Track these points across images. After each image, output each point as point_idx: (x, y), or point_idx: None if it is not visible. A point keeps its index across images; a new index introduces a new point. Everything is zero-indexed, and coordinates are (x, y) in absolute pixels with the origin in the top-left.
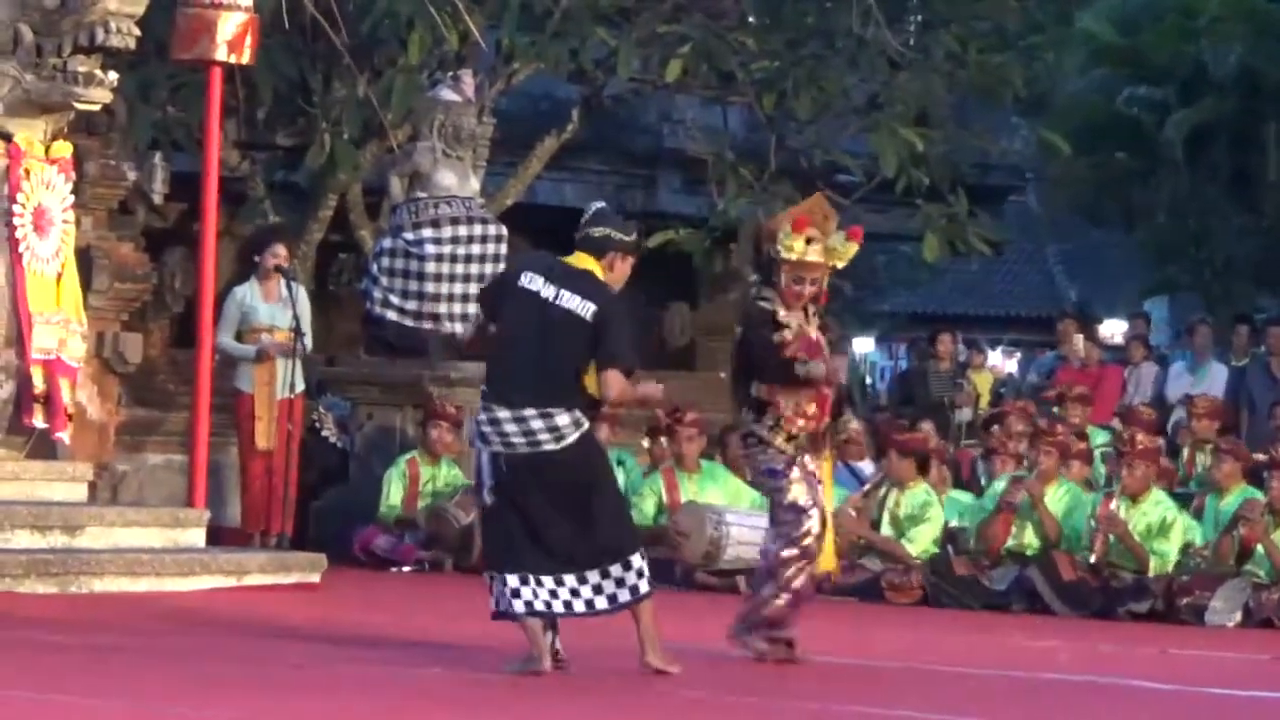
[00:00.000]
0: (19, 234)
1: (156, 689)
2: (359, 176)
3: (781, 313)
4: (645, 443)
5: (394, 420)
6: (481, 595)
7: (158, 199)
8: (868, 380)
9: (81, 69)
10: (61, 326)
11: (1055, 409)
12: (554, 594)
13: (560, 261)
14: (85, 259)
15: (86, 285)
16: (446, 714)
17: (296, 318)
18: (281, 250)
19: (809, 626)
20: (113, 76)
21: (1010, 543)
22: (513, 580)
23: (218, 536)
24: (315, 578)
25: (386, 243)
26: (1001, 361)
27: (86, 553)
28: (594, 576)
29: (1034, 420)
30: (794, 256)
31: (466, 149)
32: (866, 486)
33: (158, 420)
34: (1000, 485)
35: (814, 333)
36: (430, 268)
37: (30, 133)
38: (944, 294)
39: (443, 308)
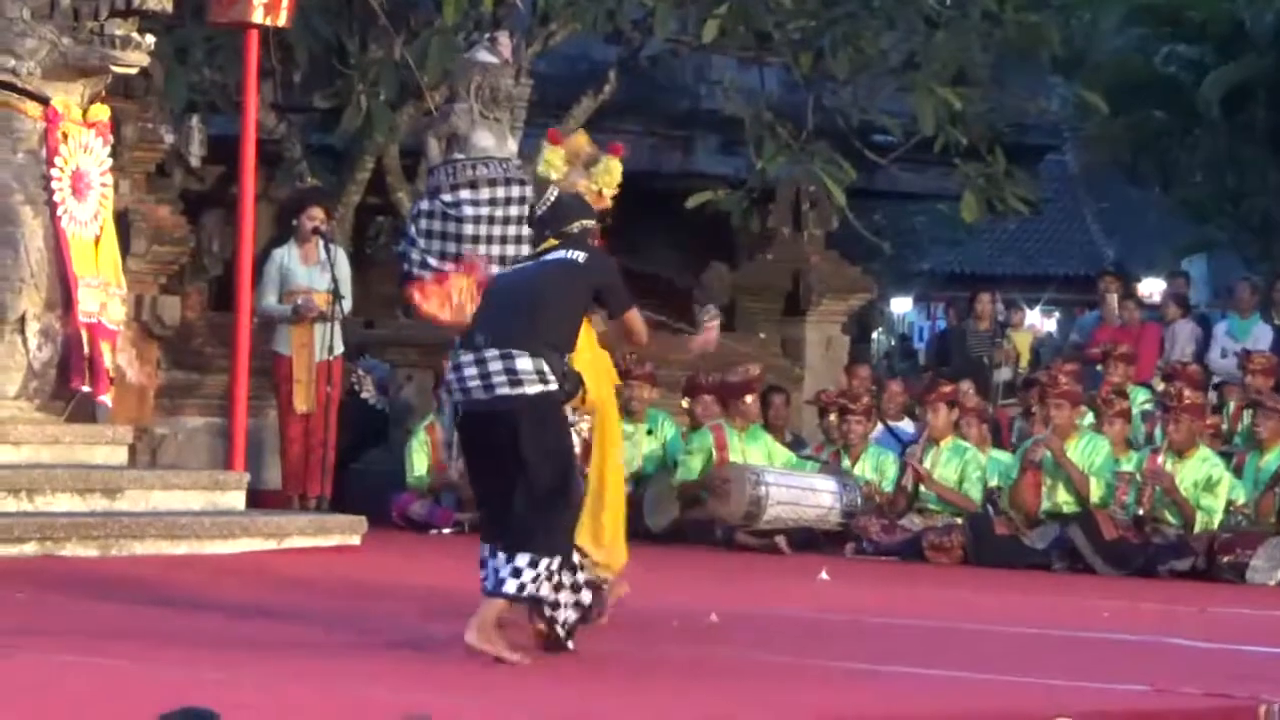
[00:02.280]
0: (57, 197)
1: (197, 651)
2: (396, 138)
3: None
4: (685, 402)
5: (432, 382)
6: None
7: (195, 162)
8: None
9: (118, 32)
10: (102, 290)
11: (1099, 367)
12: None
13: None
14: (123, 222)
15: (125, 248)
16: (488, 674)
17: (335, 280)
18: (318, 212)
19: (851, 587)
20: (150, 40)
21: (1046, 504)
22: (484, 551)
23: (257, 499)
24: (355, 540)
25: (424, 204)
26: (1040, 321)
27: (127, 515)
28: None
29: (1048, 379)
30: (556, 175)
31: (504, 110)
32: (918, 447)
33: (196, 383)
34: (1023, 447)
35: None
36: (468, 229)
37: (68, 96)
38: (981, 253)
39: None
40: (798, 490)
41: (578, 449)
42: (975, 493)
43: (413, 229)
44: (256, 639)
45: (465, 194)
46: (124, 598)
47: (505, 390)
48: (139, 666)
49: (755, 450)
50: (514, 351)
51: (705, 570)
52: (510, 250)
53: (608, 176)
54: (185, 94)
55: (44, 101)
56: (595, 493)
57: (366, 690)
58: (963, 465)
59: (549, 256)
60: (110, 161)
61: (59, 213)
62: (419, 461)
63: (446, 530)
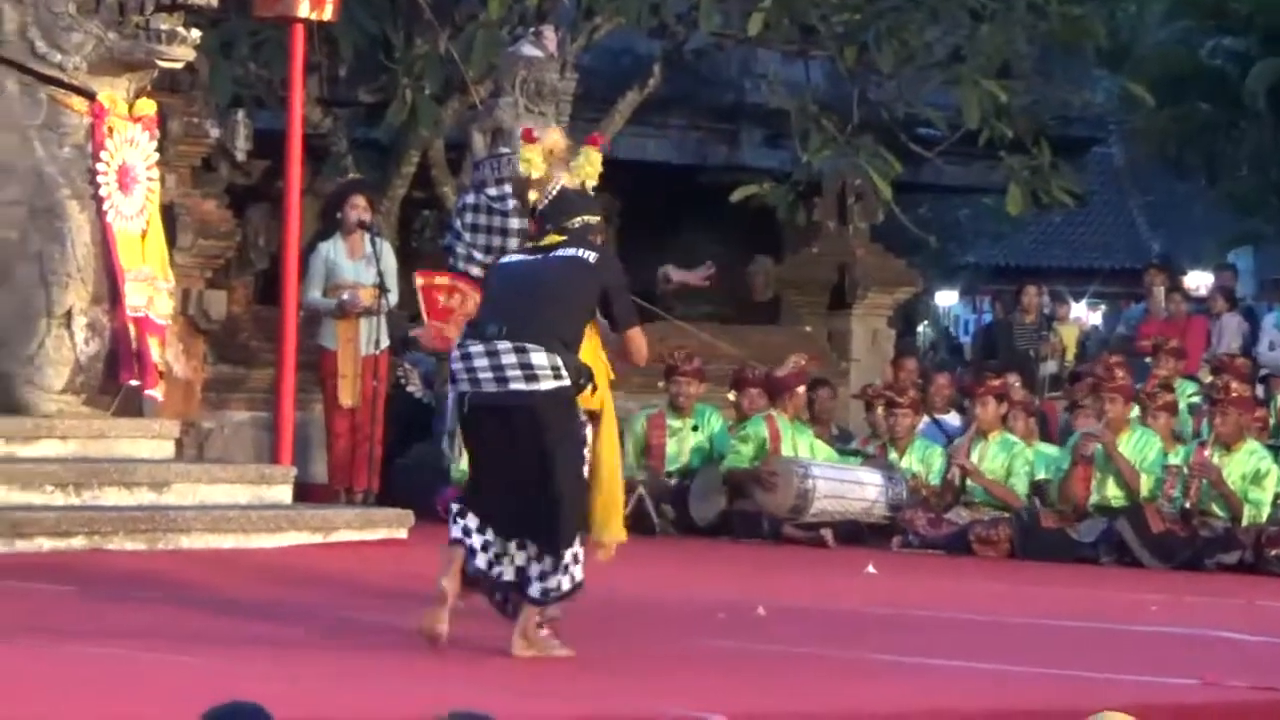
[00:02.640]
0: (104, 192)
1: (243, 646)
2: (441, 132)
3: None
4: (731, 395)
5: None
6: None
7: (241, 156)
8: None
9: (164, 27)
10: (148, 284)
11: (1148, 360)
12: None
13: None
14: (169, 216)
15: (171, 242)
16: (535, 669)
17: (381, 274)
18: (360, 200)
19: (897, 580)
20: (195, 34)
21: (1094, 497)
22: (471, 520)
23: (304, 493)
24: (402, 533)
25: (469, 198)
26: (1085, 314)
27: (173, 509)
28: (511, 547)
29: (1103, 372)
30: (535, 173)
31: (548, 104)
32: (964, 442)
33: (242, 377)
34: (1074, 441)
35: None
36: (513, 223)
37: (114, 91)
38: (1027, 246)
39: None
40: (844, 483)
41: None
42: (1021, 486)
43: (458, 223)
44: (303, 634)
45: (510, 188)
46: (170, 592)
47: (520, 385)
48: (185, 661)
49: (802, 443)
50: (529, 346)
51: (752, 563)
52: None
53: (589, 168)
54: (231, 88)
55: (90, 96)
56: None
57: (414, 687)
58: (1010, 459)
59: (558, 253)
60: (156, 156)
61: (105, 207)
62: (462, 456)
63: None
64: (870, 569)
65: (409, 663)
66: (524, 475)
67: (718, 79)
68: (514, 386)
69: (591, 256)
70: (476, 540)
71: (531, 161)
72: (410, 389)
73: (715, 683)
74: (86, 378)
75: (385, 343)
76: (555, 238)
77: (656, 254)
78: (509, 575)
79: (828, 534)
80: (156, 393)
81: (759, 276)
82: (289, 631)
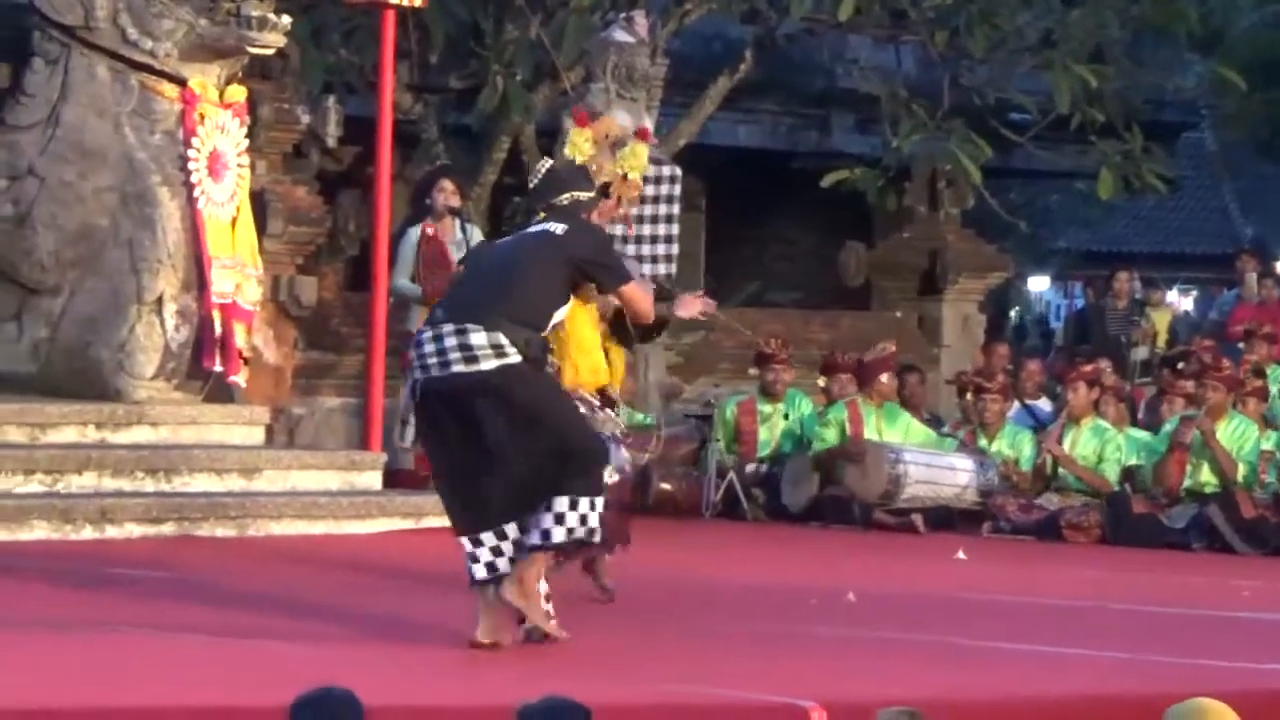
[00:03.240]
0: (194, 178)
1: (332, 632)
2: (532, 118)
3: None
4: (821, 381)
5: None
6: (659, 534)
7: (331, 142)
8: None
9: (255, 13)
10: (237, 270)
11: (1241, 345)
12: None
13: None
14: (260, 203)
15: (261, 229)
16: (632, 653)
17: None
18: (448, 184)
19: (987, 566)
20: (286, 20)
21: (1187, 482)
22: (466, 544)
23: (393, 479)
24: None
25: None
26: (1177, 299)
27: (263, 496)
28: (512, 531)
29: (1210, 360)
30: (579, 157)
31: (640, 90)
32: (1056, 427)
33: (333, 363)
34: (1170, 426)
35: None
36: None
37: (204, 78)
38: (1118, 231)
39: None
40: (935, 469)
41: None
42: (1112, 472)
43: None
44: (393, 619)
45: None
46: (260, 579)
47: (460, 367)
48: (275, 648)
49: (892, 428)
50: (469, 327)
51: (843, 549)
52: (647, 229)
53: (633, 159)
54: (322, 75)
55: (181, 83)
56: None
57: (504, 674)
58: (1101, 445)
59: (529, 229)
60: (247, 142)
61: (196, 194)
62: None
63: None
64: (960, 555)
65: (498, 649)
66: (470, 459)
67: (809, 64)
68: (455, 369)
69: (560, 229)
70: (486, 552)
71: (577, 145)
72: None
73: (806, 669)
74: (177, 364)
75: None
76: (542, 216)
77: (747, 239)
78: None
79: (918, 519)
80: (239, 379)
81: (850, 261)
82: (378, 617)
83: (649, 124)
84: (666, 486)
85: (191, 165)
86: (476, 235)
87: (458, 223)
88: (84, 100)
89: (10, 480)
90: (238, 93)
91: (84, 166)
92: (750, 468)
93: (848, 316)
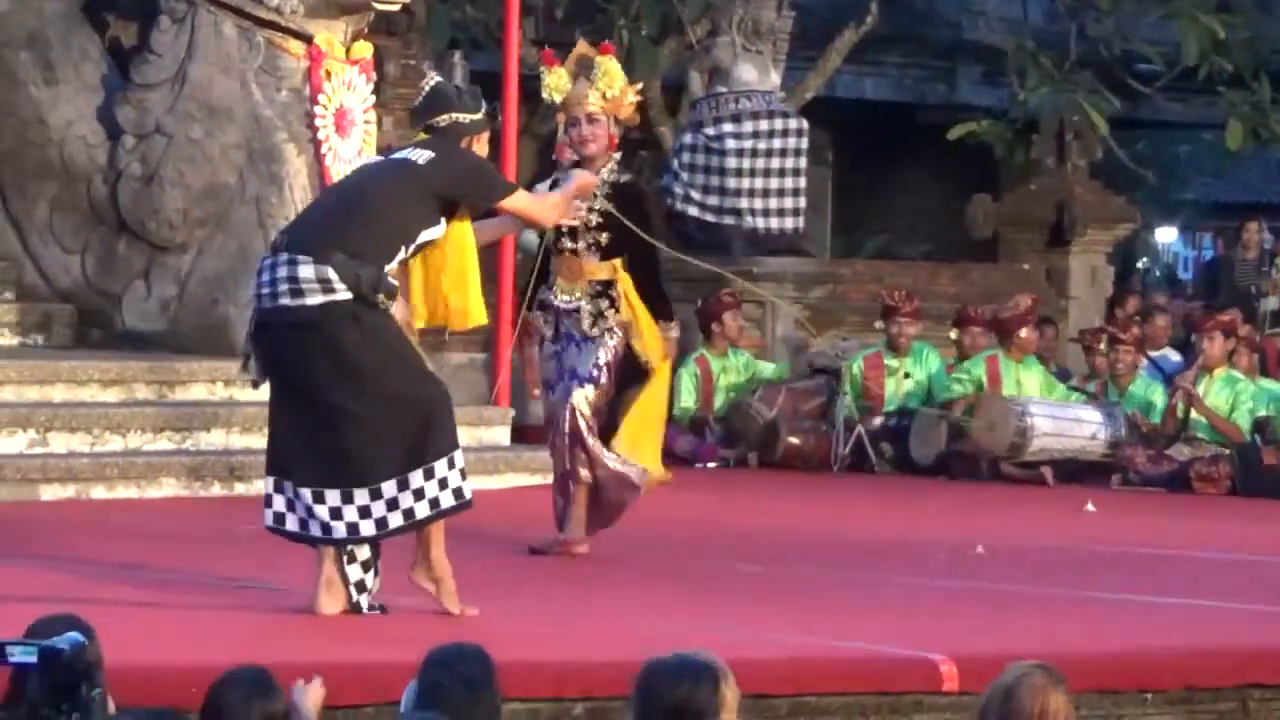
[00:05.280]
0: (321, 135)
1: (463, 586)
2: (658, 73)
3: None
4: (953, 333)
5: (695, 315)
6: (787, 487)
7: None
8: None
9: None
10: None
11: None
12: (310, 511)
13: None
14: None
15: None
16: (760, 603)
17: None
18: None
19: (1117, 518)
20: None
21: None
22: (268, 485)
23: (522, 435)
24: None
25: (687, 138)
26: None
27: None
28: (334, 498)
29: None
30: (557, 97)
31: (766, 43)
32: (1190, 373)
33: None
34: None
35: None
36: (731, 163)
37: (331, 34)
38: (1247, 182)
39: (744, 202)
40: (1064, 421)
41: (608, 360)
42: (1244, 423)
43: (676, 163)
44: (521, 574)
45: (728, 127)
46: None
47: (286, 300)
48: (404, 604)
49: (1030, 380)
50: (299, 258)
51: (971, 502)
52: (774, 183)
53: (607, 79)
54: (448, 30)
55: (307, 40)
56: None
57: (632, 623)
58: (1234, 395)
59: (397, 155)
60: (373, 99)
61: (323, 150)
62: (686, 393)
63: (711, 465)
64: (1089, 507)
65: (623, 599)
66: (310, 409)
67: (935, 16)
68: (282, 302)
69: (422, 158)
70: (280, 501)
71: (552, 86)
72: None
73: (936, 623)
74: None
75: None
76: (421, 136)
77: (874, 192)
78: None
79: (1047, 472)
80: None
81: (977, 214)
82: (507, 571)
83: (776, 79)
84: (795, 440)
85: (318, 122)
86: None
87: None
88: (210, 58)
89: (140, 437)
90: (364, 49)
91: (211, 124)
92: (878, 421)
93: (976, 269)
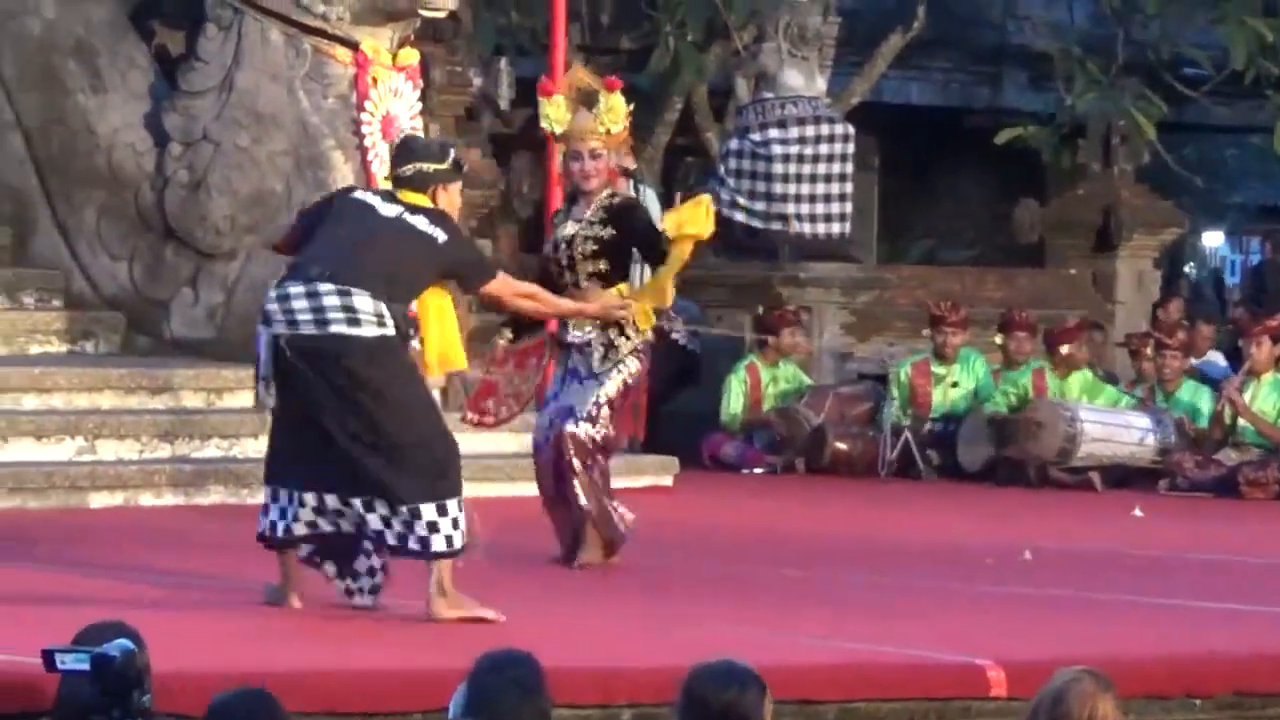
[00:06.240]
0: (367, 141)
1: (509, 592)
2: (704, 78)
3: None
4: (998, 339)
5: (744, 322)
6: (834, 493)
7: (504, 105)
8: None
9: None
10: None
11: None
12: (319, 511)
13: (393, 193)
14: None
15: None
16: (804, 608)
17: None
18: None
19: (1165, 523)
20: None
21: None
22: (266, 494)
23: None
24: (668, 480)
25: (734, 144)
26: None
27: None
28: (357, 504)
29: None
30: (557, 129)
31: (812, 49)
32: (1237, 377)
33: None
34: None
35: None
36: (778, 168)
37: (377, 41)
38: None
39: (790, 208)
40: (1112, 427)
41: (636, 380)
42: None
43: (722, 168)
44: (567, 581)
45: (774, 133)
46: None
47: (340, 329)
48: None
49: (1075, 386)
50: (353, 290)
51: (1018, 507)
52: (820, 188)
53: (611, 115)
54: (493, 37)
55: (354, 46)
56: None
57: (676, 630)
58: None
59: (407, 219)
60: (420, 105)
61: (369, 157)
62: (735, 400)
63: (758, 471)
64: (1137, 512)
65: (669, 605)
66: (324, 421)
67: (981, 21)
68: (334, 330)
69: (440, 235)
70: (278, 511)
71: (551, 117)
72: (675, 336)
73: (984, 628)
74: None
75: None
76: (390, 184)
77: (920, 197)
78: (350, 528)
79: (1095, 477)
80: (415, 342)
81: (1024, 219)
82: (554, 578)
83: (822, 84)
84: (842, 446)
85: (365, 129)
86: (650, 197)
87: (631, 184)
88: (257, 65)
89: (187, 445)
90: (410, 56)
91: (258, 131)
92: (926, 427)
93: (1023, 274)
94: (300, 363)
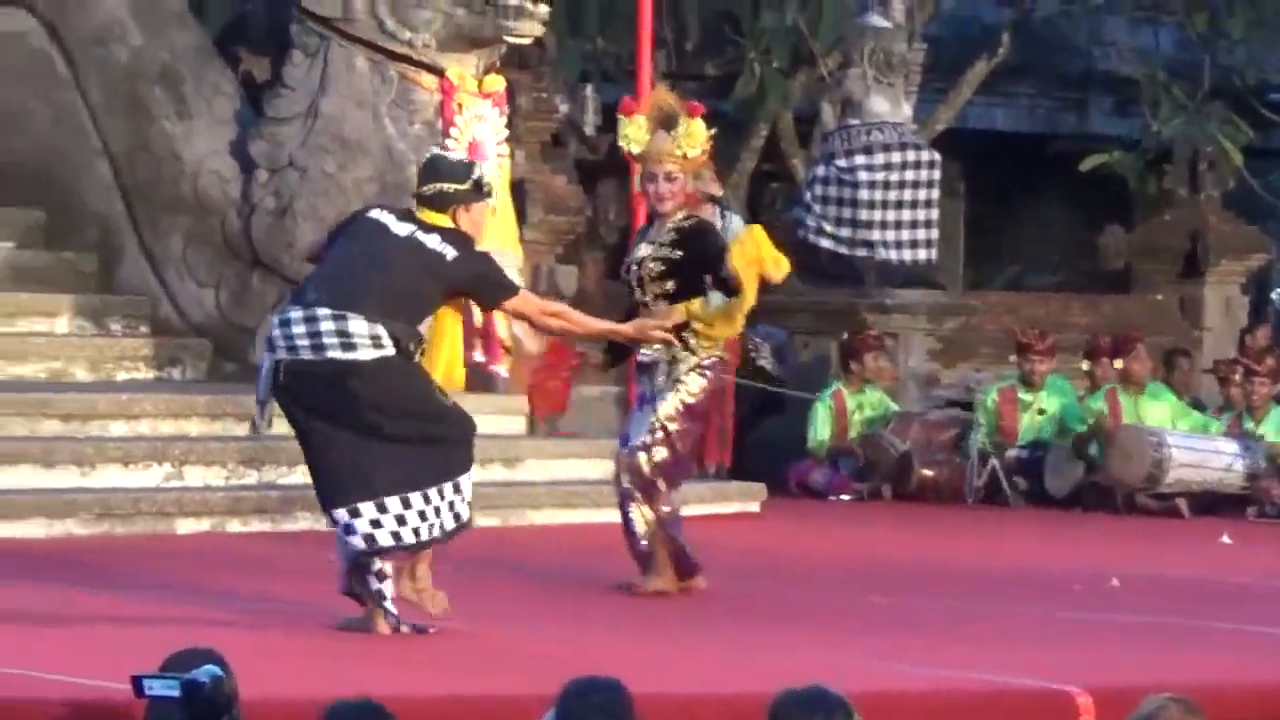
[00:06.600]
0: None
1: (595, 619)
2: (789, 105)
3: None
4: (1085, 365)
5: (829, 348)
6: (921, 519)
7: (590, 131)
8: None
9: (512, 2)
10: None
11: None
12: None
13: (413, 211)
14: (519, 192)
15: (521, 218)
16: (885, 634)
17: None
18: (707, 172)
19: (1253, 550)
20: (544, 9)
21: None
22: (344, 515)
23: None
24: (754, 507)
25: (820, 170)
26: None
27: (525, 485)
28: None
29: None
30: (635, 149)
31: (897, 75)
32: None
33: (594, 353)
34: None
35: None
36: (863, 195)
37: (462, 67)
38: None
39: (876, 234)
40: (1200, 453)
41: (698, 398)
42: None
43: (808, 195)
44: (653, 607)
45: (860, 159)
46: (524, 569)
47: (336, 354)
48: (545, 632)
49: (1157, 411)
50: (348, 314)
51: (1105, 534)
52: (906, 215)
53: (689, 139)
54: (579, 63)
55: (439, 73)
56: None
57: (761, 657)
58: None
59: (419, 236)
60: (505, 132)
61: None
62: (822, 426)
63: (845, 497)
64: (1226, 539)
65: (754, 631)
66: (357, 434)
67: (1066, 47)
68: (330, 355)
69: (449, 253)
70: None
71: (631, 137)
72: (761, 362)
73: (1071, 655)
74: None
75: None
76: (423, 208)
77: (1005, 223)
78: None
79: (1183, 504)
80: (501, 368)
81: (1110, 245)
82: (640, 605)
83: (907, 110)
84: (928, 472)
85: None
86: (736, 223)
87: (717, 210)
88: (343, 91)
89: (274, 471)
90: (496, 82)
91: (344, 158)
92: (1012, 453)
93: (1109, 300)
94: (296, 385)
